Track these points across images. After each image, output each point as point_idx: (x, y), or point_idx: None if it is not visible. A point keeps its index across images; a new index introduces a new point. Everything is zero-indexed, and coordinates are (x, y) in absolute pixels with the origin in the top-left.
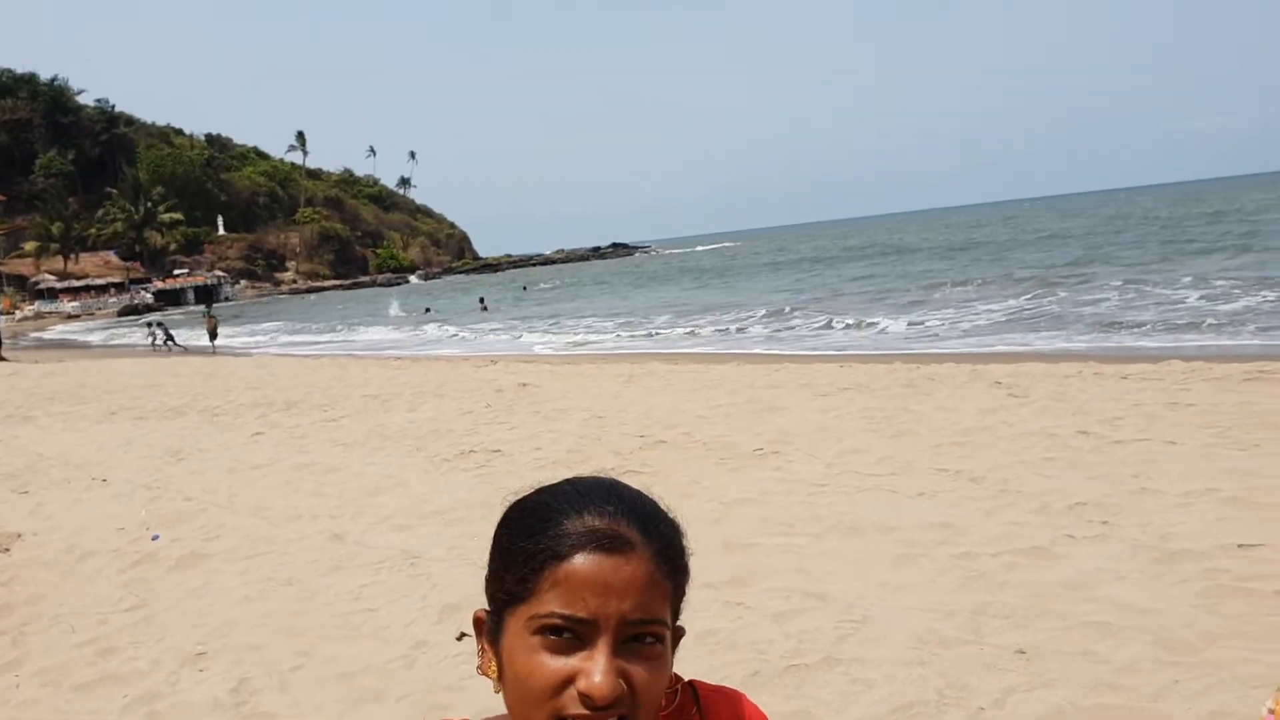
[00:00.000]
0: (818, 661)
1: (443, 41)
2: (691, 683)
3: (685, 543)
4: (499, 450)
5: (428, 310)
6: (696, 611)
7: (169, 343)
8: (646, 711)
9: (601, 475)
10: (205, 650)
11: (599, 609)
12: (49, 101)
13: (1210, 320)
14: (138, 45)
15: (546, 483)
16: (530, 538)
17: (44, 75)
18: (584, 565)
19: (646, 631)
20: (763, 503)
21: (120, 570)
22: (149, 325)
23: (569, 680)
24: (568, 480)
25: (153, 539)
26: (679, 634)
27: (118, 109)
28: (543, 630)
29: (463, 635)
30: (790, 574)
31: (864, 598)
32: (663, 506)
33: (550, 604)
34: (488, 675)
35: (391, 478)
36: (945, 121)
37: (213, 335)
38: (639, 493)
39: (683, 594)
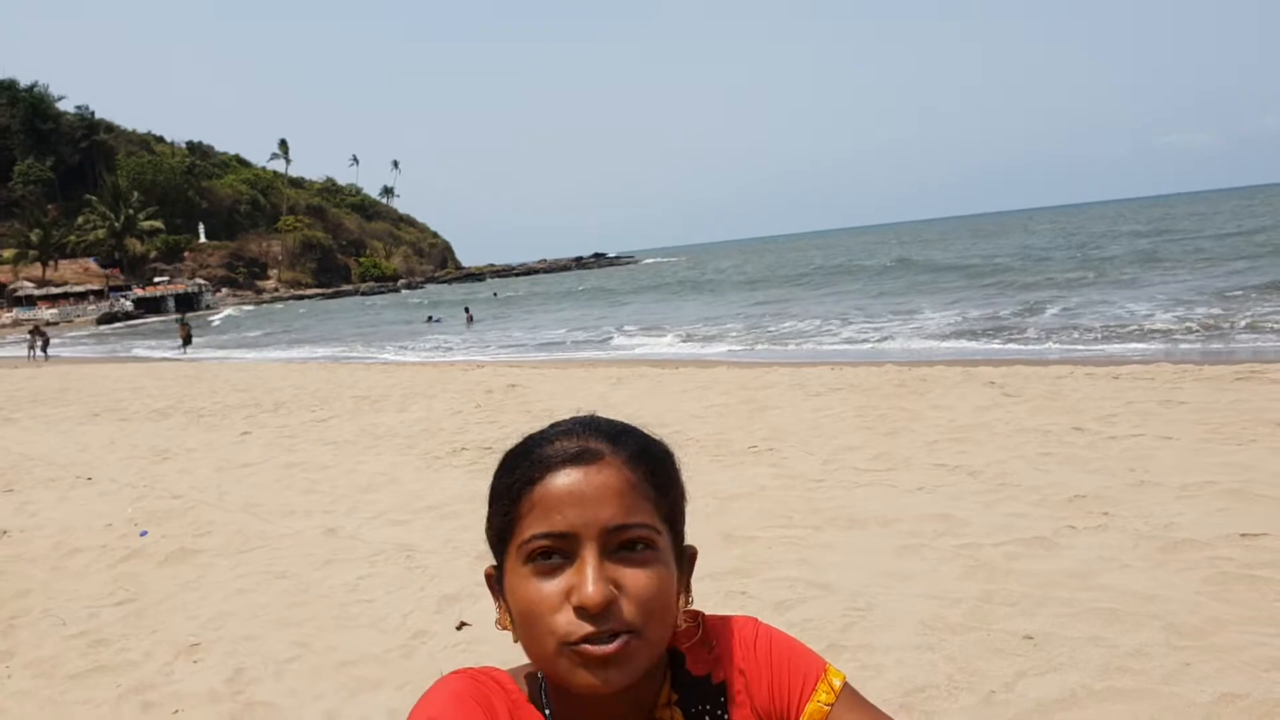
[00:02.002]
0: (825, 649)
1: (428, 51)
2: (704, 616)
3: (669, 455)
4: (490, 448)
5: (435, 320)
6: (699, 602)
7: (45, 351)
8: (652, 621)
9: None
10: (199, 642)
11: (576, 519)
12: (28, 108)
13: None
14: (118, 52)
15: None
16: (509, 473)
17: (23, 81)
18: (556, 482)
19: (633, 538)
20: (760, 497)
21: (109, 565)
22: (29, 333)
23: (565, 600)
24: (553, 423)
25: (140, 535)
26: (689, 553)
27: (98, 116)
28: (531, 557)
29: (462, 625)
30: (792, 565)
31: (868, 587)
32: (647, 432)
33: (531, 527)
34: (506, 629)
35: (384, 474)
36: (929, 135)
37: (186, 342)
38: (617, 420)
39: (679, 509)
